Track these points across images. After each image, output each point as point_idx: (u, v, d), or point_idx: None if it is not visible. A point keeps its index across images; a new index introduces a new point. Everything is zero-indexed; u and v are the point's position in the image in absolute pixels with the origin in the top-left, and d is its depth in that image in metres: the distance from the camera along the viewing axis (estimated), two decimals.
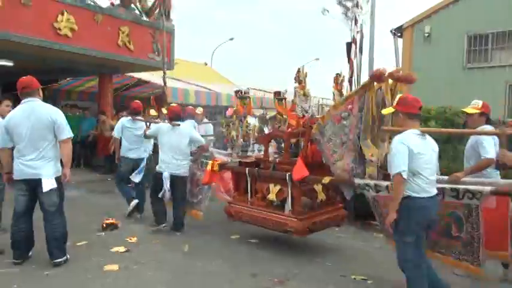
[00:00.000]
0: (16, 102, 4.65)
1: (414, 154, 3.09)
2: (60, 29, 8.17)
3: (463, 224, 3.41)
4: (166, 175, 5.28)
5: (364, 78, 10.86)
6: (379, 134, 3.84)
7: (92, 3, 8.82)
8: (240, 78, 55.56)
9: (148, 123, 6.10)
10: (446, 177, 3.78)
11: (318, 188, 4.70)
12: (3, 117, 4.66)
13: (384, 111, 3.57)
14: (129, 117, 6.27)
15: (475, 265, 3.41)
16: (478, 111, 3.86)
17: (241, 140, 5.39)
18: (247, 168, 4.95)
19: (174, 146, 5.39)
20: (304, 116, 4.83)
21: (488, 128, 3.85)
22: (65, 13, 8.21)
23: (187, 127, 5.73)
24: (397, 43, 12.66)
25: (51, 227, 4.08)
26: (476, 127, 3.91)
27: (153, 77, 12.10)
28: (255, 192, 4.92)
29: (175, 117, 5.61)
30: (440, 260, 3.62)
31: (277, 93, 5.18)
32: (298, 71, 4.98)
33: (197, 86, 14.12)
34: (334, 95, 5.02)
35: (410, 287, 3.23)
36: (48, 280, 3.77)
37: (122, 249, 4.59)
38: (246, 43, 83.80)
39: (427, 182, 3.15)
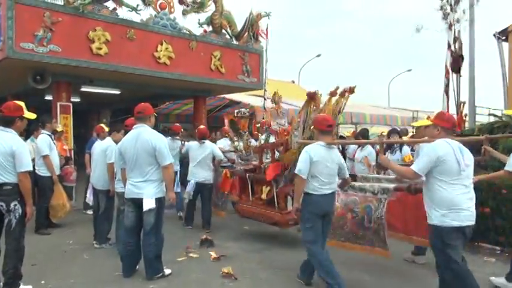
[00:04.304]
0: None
1: (313, 161, 3.84)
2: (159, 58, 8.89)
3: (372, 214, 4.24)
4: (192, 182, 6.45)
5: (464, 85, 10.08)
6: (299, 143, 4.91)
7: (187, 32, 9.45)
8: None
9: (183, 142, 7.23)
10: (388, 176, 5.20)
11: None
12: (116, 143, 5.15)
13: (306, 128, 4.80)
14: (169, 137, 7.21)
15: (385, 249, 4.16)
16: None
17: (243, 151, 6.97)
18: (247, 174, 6.00)
19: (201, 160, 6.48)
20: (281, 128, 5.92)
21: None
22: (164, 43, 8.92)
23: (210, 144, 6.83)
24: (501, 47, 11.53)
25: (145, 246, 4.28)
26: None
27: (245, 97, 12.46)
28: (255, 193, 5.93)
29: (202, 136, 6.72)
30: (356, 249, 4.38)
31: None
32: (275, 94, 6.30)
33: (284, 103, 14.35)
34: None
35: (312, 260, 3.94)
36: None
37: (218, 265, 4.71)
38: (338, 58, 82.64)
39: (321, 184, 3.89)
